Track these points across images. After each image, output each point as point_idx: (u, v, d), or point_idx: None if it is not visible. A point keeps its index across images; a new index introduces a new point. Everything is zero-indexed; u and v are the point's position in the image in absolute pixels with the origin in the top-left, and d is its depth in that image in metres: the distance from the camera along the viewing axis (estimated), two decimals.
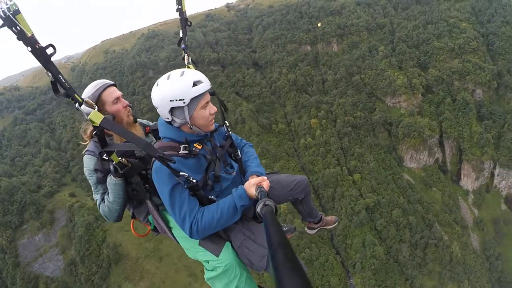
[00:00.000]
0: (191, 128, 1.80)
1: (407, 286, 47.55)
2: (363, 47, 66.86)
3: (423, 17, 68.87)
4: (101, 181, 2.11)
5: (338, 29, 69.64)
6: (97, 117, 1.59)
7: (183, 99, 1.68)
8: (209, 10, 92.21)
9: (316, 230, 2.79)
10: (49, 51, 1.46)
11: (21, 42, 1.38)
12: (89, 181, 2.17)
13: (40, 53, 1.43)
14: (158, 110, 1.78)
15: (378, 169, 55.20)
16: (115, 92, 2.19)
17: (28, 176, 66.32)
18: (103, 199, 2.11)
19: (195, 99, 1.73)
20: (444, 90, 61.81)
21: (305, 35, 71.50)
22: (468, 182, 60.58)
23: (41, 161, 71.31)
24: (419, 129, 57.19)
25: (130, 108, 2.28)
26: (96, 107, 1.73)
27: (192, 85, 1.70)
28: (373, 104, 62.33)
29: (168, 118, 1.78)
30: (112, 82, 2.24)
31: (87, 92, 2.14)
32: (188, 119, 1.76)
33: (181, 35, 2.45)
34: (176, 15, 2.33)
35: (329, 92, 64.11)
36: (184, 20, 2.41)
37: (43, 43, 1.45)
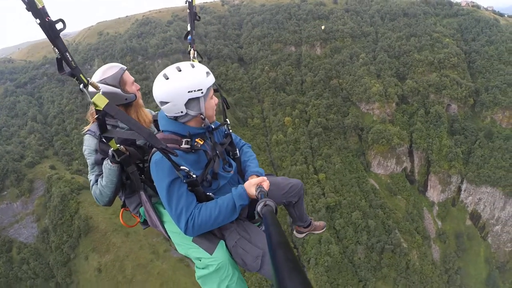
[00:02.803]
0: (203, 119, 1.79)
1: (359, 287, 48.36)
2: (344, 52, 68.46)
3: (408, 29, 70.20)
4: (99, 163, 2.07)
5: (322, 33, 71.25)
6: (101, 101, 1.54)
7: (201, 89, 1.69)
8: (204, 2, 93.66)
9: (305, 234, 2.81)
10: (59, 26, 1.40)
11: (30, 13, 1.30)
12: (87, 161, 2.14)
13: (49, 27, 1.36)
14: (168, 105, 1.72)
15: (344, 171, 56.82)
16: (130, 75, 2.25)
17: (13, 146, 68.36)
18: (96, 181, 2.08)
19: (208, 89, 1.76)
20: (418, 101, 63.13)
21: (291, 36, 73.19)
22: (434, 194, 61.78)
23: (26, 133, 72.74)
24: (388, 136, 58.64)
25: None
26: (101, 90, 1.71)
27: (205, 75, 1.74)
28: (347, 109, 63.94)
29: (182, 112, 1.73)
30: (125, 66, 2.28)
31: (109, 72, 2.12)
32: (203, 110, 1.76)
33: (189, 28, 2.42)
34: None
35: (306, 93, 65.89)
36: (193, 14, 2.41)
37: (53, 17, 1.37)
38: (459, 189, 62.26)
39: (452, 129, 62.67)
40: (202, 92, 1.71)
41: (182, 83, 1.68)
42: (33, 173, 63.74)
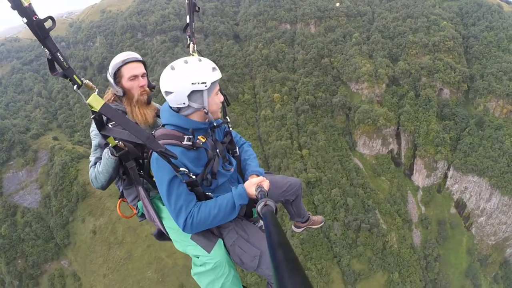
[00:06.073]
0: (206, 114, 1.79)
1: (334, 263, 49.07)
2: (338, 31, 67.89)
3: (405, 10, 68.51)
4: (102, 146, 2.09)
5: (318, 12, 70.61)
6: (97, 102, 1.53)
7: (205, 83, 1.70)
8: None
9: (303, 228, 2.84)
10: (48, 24, 1.35)
11: (16, 12, 1.25)
12: (92, 141, 2.16)
13: (37, 26, 1.31)
14: (172, 95, 1.73)
15: (327, 149, 57.38)
16: (135, 69, 2.16)
17: (19, 119, 71.50)
18: (95, 163, 2.09)
19: (213, 84, 1.77)
20: (409, 84, 62.14)
21: (286, 13, 73.06)
22: (419, 178, 61.09)
23: (32, 108, 76.56)
24: (374, 116, 58.43)
25: (148, 90, 2.23)
26: (97, 90, 1.70)
27: (211, 70, 1.76)
28: (337, 88, 63.84)
29: (184, 103, 1.75)
30: (138, 58, 2.20)
31: (112, 62, 2.15)
32: (206, 103, 1.77)
33: (187, 21, 2.36)
34: None
35: (297, 71, 66.11)
36: (192, 5, 2.34)
37: (41, 15, 1.31)
38: (446, 176, 61.42)
39: (442, 114, 61.59)
40: (206, 86, 1.72)
41: (187, 74, 1.71)
42: (38, 144, 67.39)
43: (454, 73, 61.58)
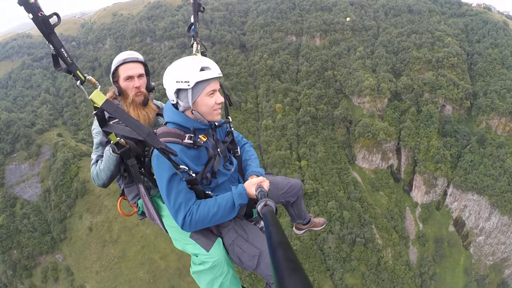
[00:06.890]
0: (192, 113, 1.78)
1: (326, 276, 48.40)
2: (343, 45, 68.70)
3: (410, 26, 69.21)
4: (104, 144, 2.10)
5: (323, 25, 71.68)
6: (99, 98, 1.55)
7: (188, 82, 1.68)
8: None
9: (304, 231, 2.83)
10: (53, 20, 1.36)
11: (22, 7, 1.27)
12: (93, 139, 2.17)
13: (42, 22, 1.33)
14: (166, 91, 1.78)
15: (326, 161, 57.42)
16: (130, 70, 2.15)
17: (26, 114, 72.81)
18: (97, 161, 2.10)
19: (200, 84, 1.71)
20: (411, 99, 62.26)
21: (293, 26, 74.41)
22: (418, 194, 60.53)
23: (39, 103, 78.25)
24: (374, 131, 58.51)
25: (144, 91, 2.20)
26: (99, 86, 1.69)
27: (199, 69, 1.69)
28: (339, 101, 64.31)
29: (173, 100, 1.79)
30: (138, 59, 2.20)
31: (113, 60, 2.19)
32: (190, 103, 1.73)
33: (192, 20, 2.38)
34: None
35: (300, 82, 66.89)
36: (197, 5, 2.36)
37: (47, 11, 1.31)
38: (445, 193, 60.70)
39: (443, 130, 61.25)
40: (188, 85, 1.70)
41: (173, 72, 1.74)
42: (42, 139, 68.48)
43: (457, 89, 61.55)
